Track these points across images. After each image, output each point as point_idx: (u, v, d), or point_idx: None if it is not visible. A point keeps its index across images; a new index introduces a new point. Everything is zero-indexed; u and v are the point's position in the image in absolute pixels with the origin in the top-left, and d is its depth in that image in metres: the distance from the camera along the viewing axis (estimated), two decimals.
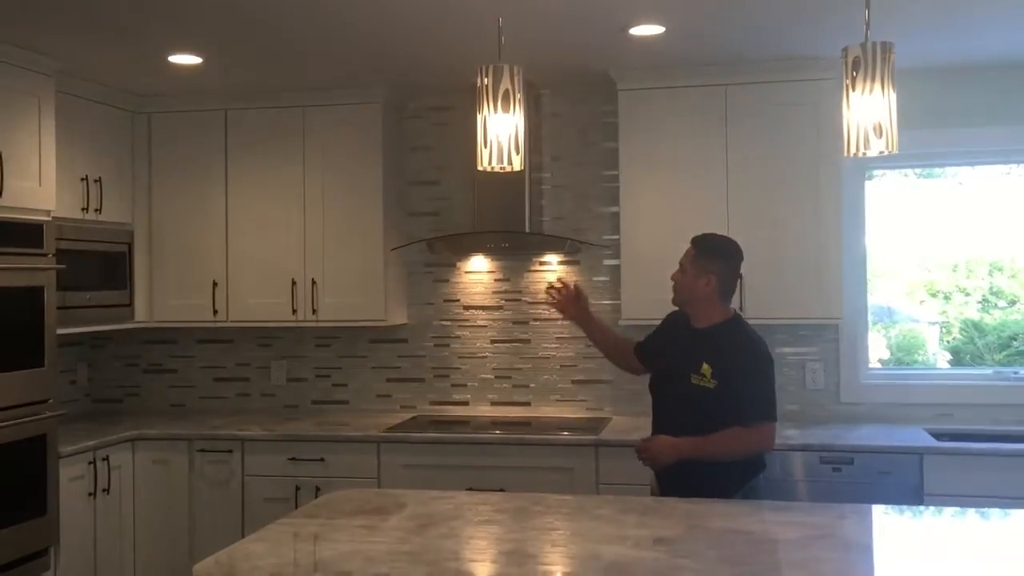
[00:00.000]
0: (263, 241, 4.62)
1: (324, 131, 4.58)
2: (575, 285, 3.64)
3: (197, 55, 4.01)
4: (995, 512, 2.78)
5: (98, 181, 4.42)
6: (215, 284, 4.65)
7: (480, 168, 2.78)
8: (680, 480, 3.13)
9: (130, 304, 4.63)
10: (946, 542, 2.61)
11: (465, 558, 2.45)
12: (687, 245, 3.48)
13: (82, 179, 4.33)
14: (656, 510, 2.81)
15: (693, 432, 3.10)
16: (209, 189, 4.67)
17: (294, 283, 4.58)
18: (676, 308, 3.35)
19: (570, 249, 4.61)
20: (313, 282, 4.56)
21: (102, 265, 4.49)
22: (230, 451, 4.30)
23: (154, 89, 4.58)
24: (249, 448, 4.29)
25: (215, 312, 4.65)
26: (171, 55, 3.99)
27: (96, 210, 4.41)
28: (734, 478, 3.13)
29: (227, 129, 4.66)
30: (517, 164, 2.75)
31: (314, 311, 4.57)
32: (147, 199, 4.72)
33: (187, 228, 4.69)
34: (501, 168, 2.75)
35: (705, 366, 3.12)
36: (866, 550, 2.55)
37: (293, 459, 4.24)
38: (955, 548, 2.55)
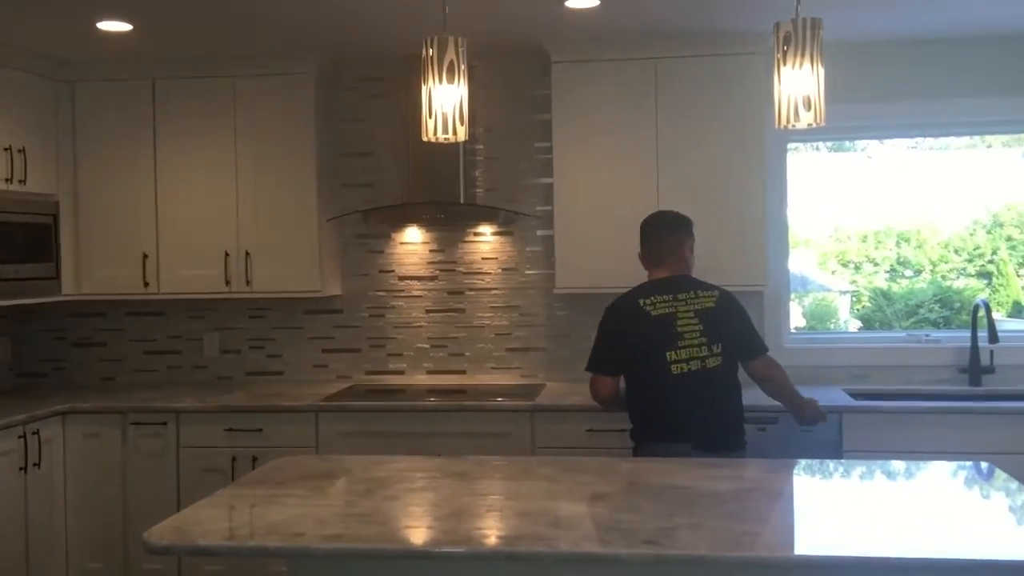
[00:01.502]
0: (195, 212, 4.57)
1: (256, 101, 4.54)
2: None
3: (127, 22, 3.93)
4: (908, 464, 2.97)
5: (22, 151, 4.31)
6: (145, 256, 4.59)
7: (425, 139, 2.83)
8: None
9: (56, 277, 4.54)
10: (862, 492, 2.78)
11: (413, 518, 2.52)
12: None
13: (5, 149, 4.22)
14: (596, 469, 2.92)
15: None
16: (138, 159, 4.60)
17: (227, 254, 4.55)
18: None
19: (504, 220, 4.69)
20: (247, 253, 4.54)
21: (27, 237, 4.38)
22: (164, 423, 4.27)
23: (81, 57, 4.48)
24: (184, 420, 4.27)
25: (146, 284, 4.59)
26: (100, 21, 3.91)
27: (20, 181, 4.30)
28: (634, 438, 3.45)
29: (156, 98, 4.58)
30: (462, 134, 2.80)
31: (248, 282, 4.55)
32: (73, 169, 4.62)
33: (115, 199, 4.61)
34: (446, 138, 2.80)
35: None
36: (791, 499, 2.71)
37: (230, 430, 4.23)
38: (871, 497, 2.72)
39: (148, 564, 4.23)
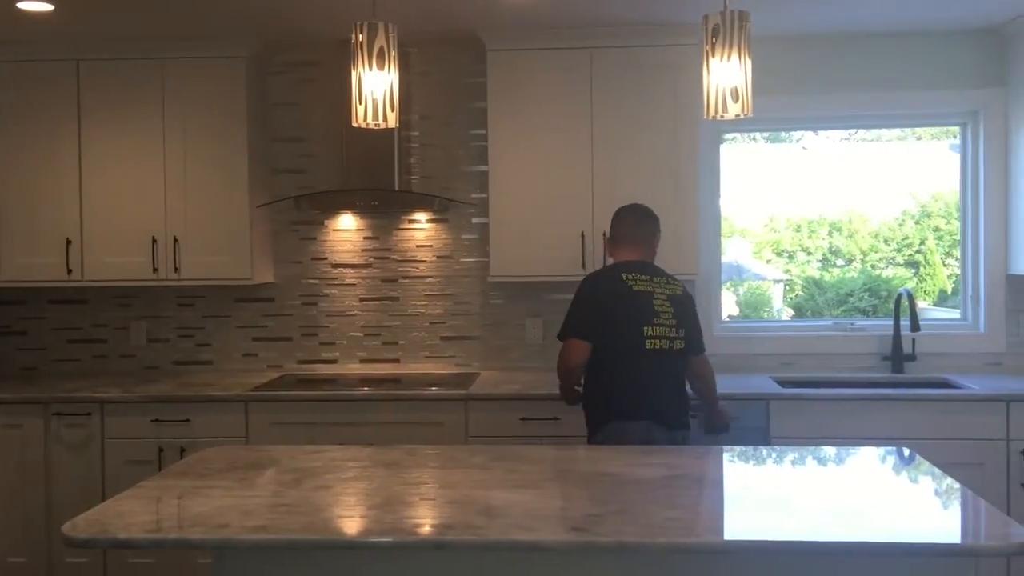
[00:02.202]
0: (121, 197, 4.46)
1: (185, 84, 4.44)
2: None
3: (48, 2, 3.81)
4: (832, 450, 3.04)
5: None
6: (69, 242, 4.46)
7: (355, 125, 2.79)
8: None
9: None
10: (787, 477, 2.83)
11: (342, 508, 2.49)
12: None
13: None
14: (526, 458, 2.92)
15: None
16: (60, 143, 4.46)
17: (155, 241, 4.45)
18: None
19: (439, 207, 4.66)
20: (175, 240, 4.45)
21: None
22: (88, 414, 4.17)
23: (1, 37, 4.32)
24: (109, 410, 4.17)
25: (69, 271, 4.47)
26: (20, 1, 3.78)
27: None
28: (589, 421, 3.50)
29: (80, 80, 4.45)
30: (392, 121, 2.77)
31: (176, 269, 4.46)
32: None
33: (36, 184, 4.47)
34: (376, 125, 2.76)
35: None
36: (719, 485, 2.75)
37: (156, 420, 4.15)
38: (795, 482, 2.78)
39: (72, 558, 4.13)
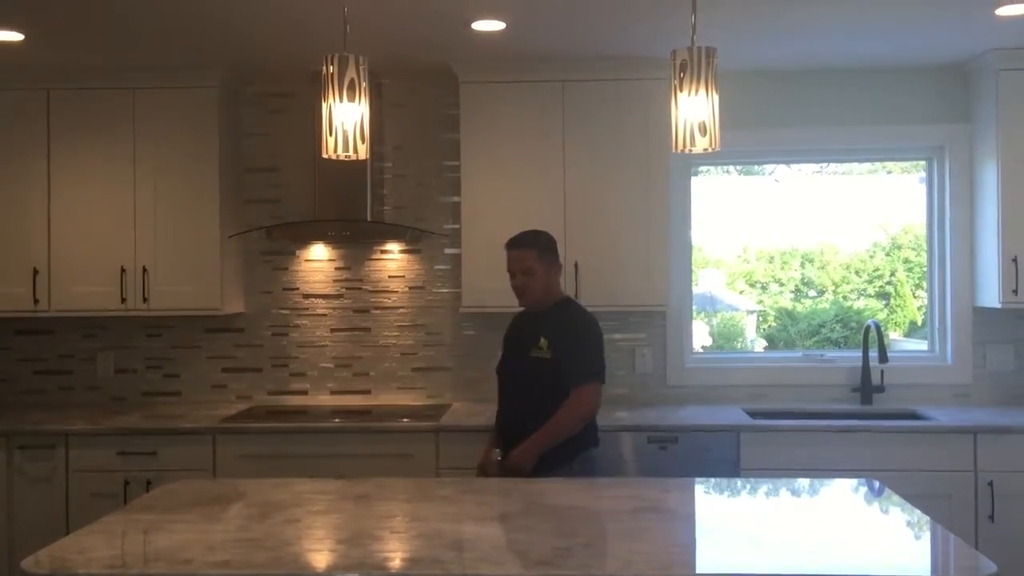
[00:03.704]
0: (90, 227, 4.42)
1: (157, 114, 4.42)
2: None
3: (18, 31, 3.80)
4: (802, 482, 3.05)
5: None
6: (36, 272, 4.41)
7: (325, 156, 2.79)
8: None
9: None
10: (757, 509, 2.83)
11: (308, 543, 2.46)
12: None
13: None
14: (496, 490, 2.91)
15: (536, 397, 3.46)
16: (29, 171, 4.43)
17: (123, 271, 4.41)
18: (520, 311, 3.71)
19: (411, 238, 4.66)
20: (144, 269, 4.41)
21: None
22: (53, 446, 4.10)
23: None
24: (74, 443, 4.11)
25: (36, 301, 4.41)
26: None
27: None
28: (568, 449, 3.45)
29: (50, 109, 4.42)
30: (363, 153, 2.77)
31: (145, 299, 4.41)
32: None
33: (4, 212, 4.43)
34: (347, 156, 2.76)
35: (543, 340, 3.51)
36: (689, 518, 2.74)
37: (122, 453, 4.09)
38: (765, 514, 2.78)
39: None
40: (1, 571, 4.07)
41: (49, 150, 4.42)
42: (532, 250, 3.57)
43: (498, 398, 3.68)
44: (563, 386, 3.45)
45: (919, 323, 5.18)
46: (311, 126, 4.48)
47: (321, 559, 2.36)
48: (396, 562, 2.31)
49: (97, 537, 2.42)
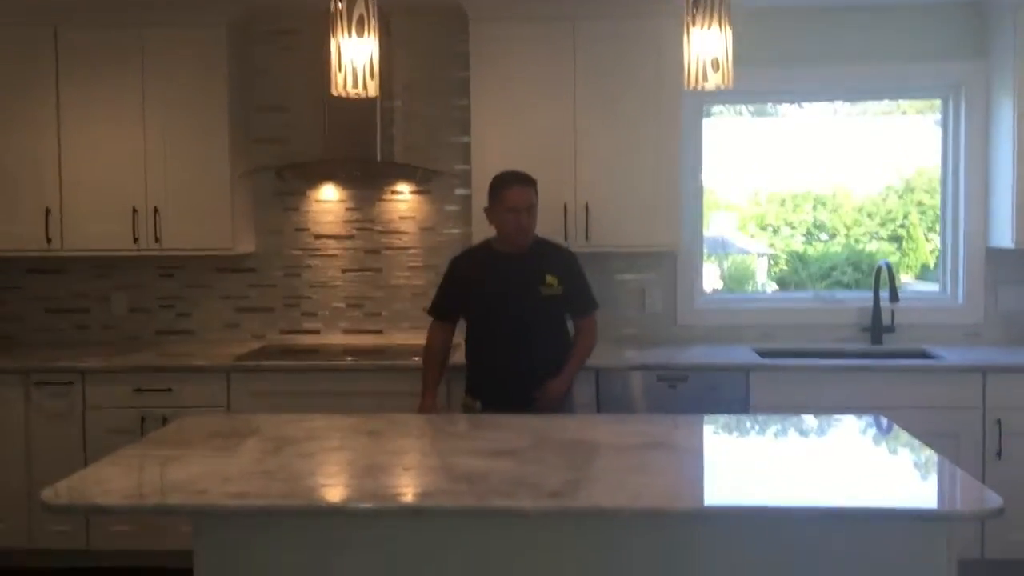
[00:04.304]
0: (101, 166, 4.42)
1: (165, 53, 4.38)
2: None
3: None
4: (811, 418, 3.07)
5: None
6: (48, 211, 4.43)
7: (334, 93, 2.77)
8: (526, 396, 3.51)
9: None
10: (764, 445, 2.86)
11: (321, 476, 2.51)
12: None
13: None
14: (506, 426, 2.94)
15: (548, 333, 3.65)
16: (39, 111, 4.41)
17: (135, 210, 4.42)
18: (457, 256, 3.83)
19: (422, 178, 4.65)
20: (155, 209, 4.42)
21: None
22: (70, 383, 4.16)
23: None
24: (90, 380, 4.17)
25: (48, 241, 4.43)
26: None
27: None
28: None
29: (58, 48, 4.39)
30: (372, 90, 2.75)
31: (157, 239, 4.43)
32: None
33: (15, 151, 4.42)
34: (356, 93, 2.75)
35: (549, 277, 3.61)
36: (697, 453, 2.78)
37: (138, 390, 4.14)
38: (772, 449, 2.81)
39: (55, 526, 4.14)
40: (22, 505, 4.16)
41: (58, 89, 4.40)
42: (534, 187, 3.63)
43: (486, 343, 3.64)
44: (574, 313, 3.72)
45: (931, 266, 5.16)
46: (321, 65, 4.44)
47: (335, 491, 2.41)
48: (409, 494, 2.35)
49: (114, 469, 2.47)
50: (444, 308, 3.78)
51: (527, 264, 3.63)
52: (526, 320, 3.60)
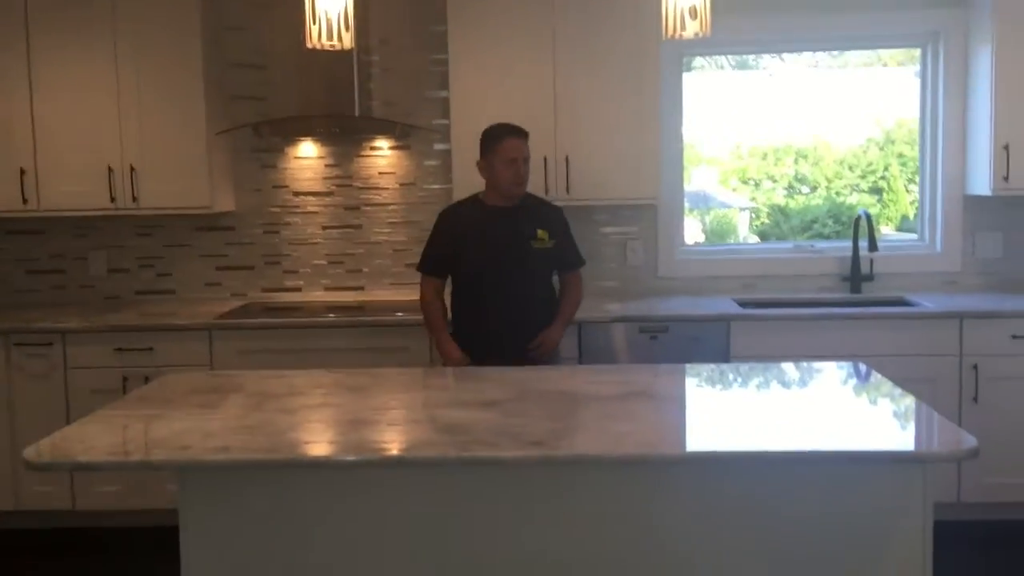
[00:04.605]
0: (75, 126, 4.36)
1: (137, 9, 4.30)
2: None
3: None
4: (790, 366, 3.10)
5: None
6: (23, 171, 4.37)
7: (309, 46, 2.74)
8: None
9: None
10: (743, 392, 2.89)
11: (305, 430, 2.51)
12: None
13: None
14: (488, 378, 2.95)
15: (537, 287, 3.71)
16: (9, 70, 4.33)
17: (111, 170, 4.37)
18: (445, 210, 3.82)
19: (400, 134, 4.61)
20: (132, 168, 4.37)
21: None
22: (49, 343, 4.14)
23: None
24: (71, 340, 4.15)
25: (25, 201, 4.38)
26: None
27: None
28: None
29: (28, 6, 4.29)
30: (347, 42, 2.72)
31: (134, 198, 4.39)
32: None
33: None
34: (331, 46, 2.71)
35: (540, 231, 3.64)
36: (678, 402, 2.80)
37: (119, 350, 4.13)
38: (751, 396, 2.84)
39: (39, 487, 4.15)
40: (6, 468, 4.16)
41: (28, 47, 4.32)
42: (527, 139, 3.64)
43: (484, 291, 3.64)
44: (561, 267, 3.77)
45: (911, 217, 5.19)
46: (296, 19, 4.37)
47: (318, 445, 2.42)
48: (392, 446, 2.36)
49: (96, 427, 2.47)
50: (435, 263, 3.76)
51: (518, 218, 3.64)
52: (517, 273, 3.61)
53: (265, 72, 4.67)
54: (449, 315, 3.76)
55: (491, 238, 3.64)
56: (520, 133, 3.62)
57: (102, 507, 4.18)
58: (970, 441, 2.17)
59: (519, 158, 3.57)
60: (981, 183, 4.35)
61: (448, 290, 3.80)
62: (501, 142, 3.58)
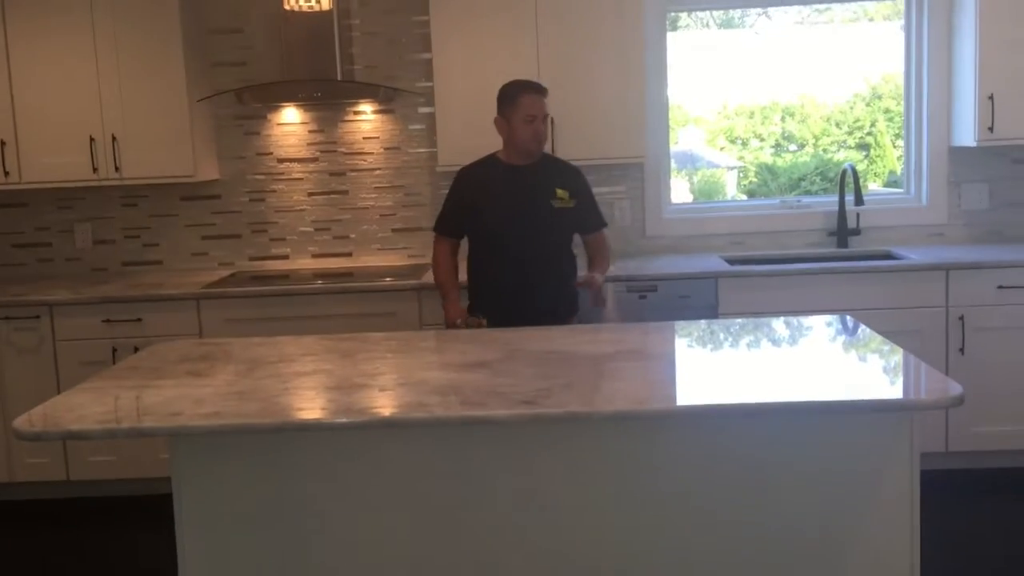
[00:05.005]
0: (54, 96, 4.31)
1: None
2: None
3: None
4: (779, 321, 3.11)
5: None
6: (3, 143, 4.33)
7: (287, 7, 2.71)
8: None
9: None
10: (732, 347, 2.90)
11: (296, 394, 2.51)
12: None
13: None
14: (477, 339, 2.96)
15: (557, 248, 3.58)
16: None
17: (92, 140, 4.33)
18: (463, 169, 3.68)
19: (384, 97, 4.57)
20: (113, 138, 4.33)
21: None
22: (37, 316, 4.13)
23: None
24: (58, 312, 4.13)
25: (6, 173, 4.34)
26: None
27: None
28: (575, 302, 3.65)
29: None
30: (326, 3, 2.69)
31: (117, 169, 4.35)
32: None
33: None
34: (309, 7, 2.69)
35: (560, 191, 3.53)
36: (668, 358, 2.81)
37: (108, 321, 4.12)
38: (740, 351, 2.85)
39: (32, 459, 4.16)
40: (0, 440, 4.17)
41: (4, 18, 4.26)
42: (546, 96, 3.54)
43: (496, 258, 3.53)
44: (582, 228, 3.65)
45: (898, 173, 5.19)
46: None
47: (309, 409, 2.42)
48: (383, 408, 2.37)
49: (87, 395, 2.47)
50: (451, 223, 3.65)
51: (537, 177, 3.53)
52: (537, 233, 3.50)
53: (245, 37, 4.62)
54: (464, 277, 3.66)
55: (509, 197, 3.52)
56: (538, 89, 3.50)
57: (96, 477, 4.19)
58: (956, 388, 2.19)
59: (538, 115, 3.45)
60: (966, 134, 4.35)
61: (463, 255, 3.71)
62: (519, 99, 3.45)
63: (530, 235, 3.50)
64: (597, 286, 3.49)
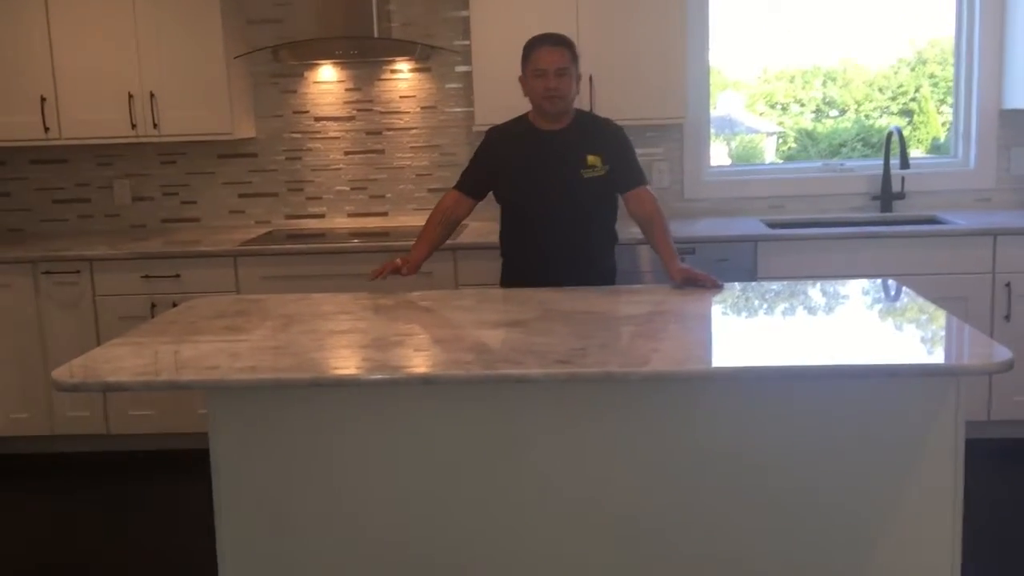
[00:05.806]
0: (93, 53, 4.32)
1: None
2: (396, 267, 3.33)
3: None
4: (819, 284, 3.06)
5: None
6: (43, 99, 4.35)
7: None
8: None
9: None
10: (776, 309, 2.85)
11: (331, 350, 2.51)
12: None
13: None
14: (512, 299, 2.94)
15: (589, 221, 3.27)
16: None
17: (131, 96, 4.34)
18: (494, 127, 3.39)
19: (421, 55, 4.53)
20: (151, 95, 4.34)
21: None
22: (77, 271, 4.17)
23: None
24: (98, 267, 4.17)
25: (46, 129, 4.37)
26: None
27: None
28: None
29: None
30: None
31: (155, 125, 4.36)
32: None
33: (4, 41, 4.32)
34: None
35: (591, 158, 3.20)
36: (705, 319, 2.77)
37: (147, 277, 4.16)
38: (779, 314, 2.81)
39: (73, 411, 4.22)
40: (39, 391, 4.23)
41: None
42: (567, 49, 3.17)
43: (525, 229, 3.30)
44: (624, 191, 3.27)
45: (942, 139, 5.07)
46: None
47: (344, 364, 2.42)
48: (417, 365, 2.36)
49: (125, 348, 2.49)
50: (467, 180, 3.38)
51: (568, 142, 3.21)
52: (566, 207, 3.21)
53: None
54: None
55: (534, 166, 3.22)
56: (554, 40, 3.16)
57: (135, 431, 4.25)
58: (1004, 353, 2.13)
59: (549, 69, 3.10)
60: (1018, 96, 4.22)
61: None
62: (531, 52, 3.15)
63: (558, 209, 3.22)
64: (696, 276, 3.02)
